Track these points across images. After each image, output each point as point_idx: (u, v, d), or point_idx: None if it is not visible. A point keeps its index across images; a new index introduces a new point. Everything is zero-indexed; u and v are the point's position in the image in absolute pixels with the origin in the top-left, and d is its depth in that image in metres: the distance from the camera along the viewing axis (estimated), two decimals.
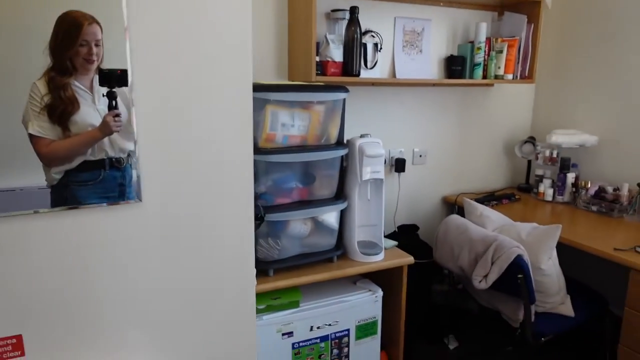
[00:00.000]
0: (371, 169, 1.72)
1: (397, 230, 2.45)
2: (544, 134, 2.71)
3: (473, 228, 1.97)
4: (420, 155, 2.61)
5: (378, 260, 1.77)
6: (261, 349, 1.60)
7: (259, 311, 1.59)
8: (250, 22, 1.09)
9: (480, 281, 1.85)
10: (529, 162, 2.81)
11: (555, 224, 1.88)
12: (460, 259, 1.95)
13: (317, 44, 1.98)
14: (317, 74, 1.98)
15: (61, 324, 1.04)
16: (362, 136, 1.75)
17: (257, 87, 1.48)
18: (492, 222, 2.11)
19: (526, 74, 2.47)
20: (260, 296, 1.60)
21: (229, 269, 1.19)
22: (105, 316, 1.08)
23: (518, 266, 1.79)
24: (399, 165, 2.52)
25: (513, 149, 2.85)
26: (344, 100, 1.66)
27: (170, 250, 1.11)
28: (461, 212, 2.49)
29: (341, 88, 1.63)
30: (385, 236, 2.47)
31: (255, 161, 1.53)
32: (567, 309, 1.96)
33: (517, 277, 1.80)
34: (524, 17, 2.41)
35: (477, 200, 2.53)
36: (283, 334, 1.63)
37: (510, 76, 2.43)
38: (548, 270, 1.88)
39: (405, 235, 2.39)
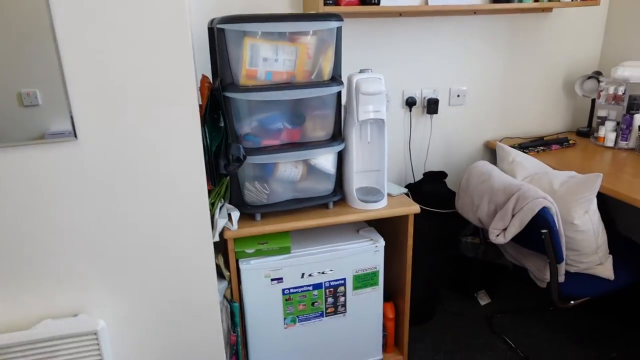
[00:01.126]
0: (372, 108, 1.55)
1: (423, 177, 2.26)
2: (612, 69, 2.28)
3: (497, 176, 1.74)
4: (458, 95, 2.34)
5: (378, 208, 1.63)
6: (249, 294, 1.58)
7: (246, 255, 1.55)
8: None
9: (497, 235, 1.65)
10: (593, 102, 2.41)
11: (605, 173, 1.60)
12: (479, 210, 1.75)
13: None
14: (328, 4, 1.79)
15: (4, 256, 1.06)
16: (361, 71, 1.57)
17: (232, 19, 1.35)
18: (524, 169, 1.85)
19: None
20: (247, 240, 1.56)
21: (180, 202, 1.14)
22: (52, 247, 1.09)
23: (543, 220, 1.56)
24: (431, 106, 2.29)
25: (573, 87, 2.46)
26: (338, 30, 1.48)
27: (114, 185, 1.08)
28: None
29: (332, 16, 1.45)
30: (408, 184, 2.30)
31: (236, 100, 1.44)
32: (606, 271, 1.70)
33: (541, 233, 1.58)
34: None
35: (521, 146, 2.24)
36: (272, 279, 1.59)
37: None
38: (583, 225, 1.62)
39: (431, 183, 2.20)
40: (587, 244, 1.66)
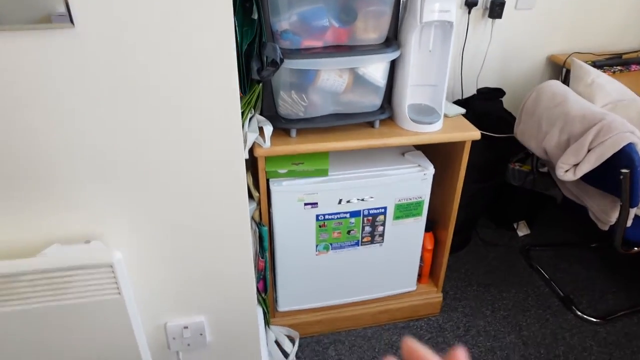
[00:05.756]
0: (439, 7, 1.25)
1: (476, 93, 1.98)
2: None
3: (574, 100, 1.47)
4: None
5: (432, 131, 1.40)
6: (280, 217, 1.42)
7: (278, 175, 1.36)
8: None
9: (566, 170, 1.42)
10: None
11: None
12: (547, 139, 1.50)
13: None
14: None
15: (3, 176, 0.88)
16: None
17: None
18: (606, 94, 1.57)
19: None
20: (280, 159, 1.36)
21: (206, 110, 0.91)
22: (53, 166, 0.90)
23: (626, 158, 1.33)
24: (495, 8, 1.93)
25: None
26: None
27: (120, 86, 0.86)
28: (569, 77, 1.94)
29: None
30: (457, 101, 2.02)
31: None
32: None
33: (619, 172, 1.35)
34: None
35: (594, 64, 1.92)
36: (305, 204, 1.42)
37: None
38: None
39: (484, 102, 1.93)
40: None
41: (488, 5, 1.94)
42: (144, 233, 1.02)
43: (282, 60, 1.17)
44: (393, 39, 1.32)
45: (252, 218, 1.45)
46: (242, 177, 1.01)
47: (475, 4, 1.92)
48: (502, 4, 1.92)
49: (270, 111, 1.34)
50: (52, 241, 0.96)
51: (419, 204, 1.51)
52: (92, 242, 0.97)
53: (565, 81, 2.09)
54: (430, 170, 1.46)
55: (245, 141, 1.26)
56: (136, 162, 0.93)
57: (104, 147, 0.90)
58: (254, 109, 1.34)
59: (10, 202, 0.91)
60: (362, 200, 1.45)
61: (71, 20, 0.77)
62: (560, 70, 2.13)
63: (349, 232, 1.50)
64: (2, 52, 0.78)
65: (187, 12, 0.81)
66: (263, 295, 1.53)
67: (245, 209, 1.05)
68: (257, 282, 1.50)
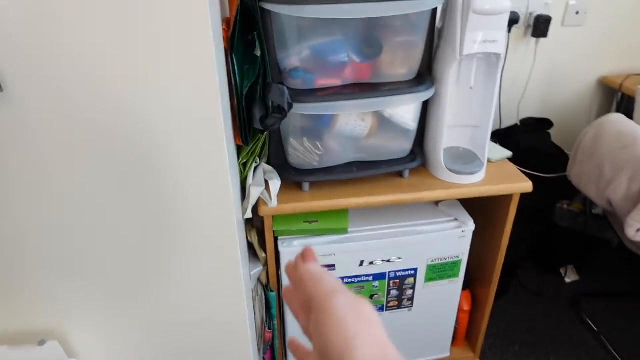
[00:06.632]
0: (483, 36, 1.02)
1: (519, 124, 1.73)
2: None
3: None
4: (577, 12, 1.71)
5: (473, 183, 1.16)
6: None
7: (288, 233, 1.15)
8: None
9: (638, 230, 1.17)
10: None
11: None
12: (612, 188, 1.25)
13: None
14: None
15: None
16: None
17: None
18: None
19: None
20: (290, 218, 1.15)
21: (187, 170, 0.71)
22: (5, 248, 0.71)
23: None
24: (539, 26, 1.68)
25: None
26: None
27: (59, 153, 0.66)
28: (630, 106, 1.67)
29: None
30: (496, 132, 1.77)
31: (280, 16, 0.94)
32: None
33: None
34: None
35: None
36: (322, 266, 1.19)
37: None
38: None
39: (529, 134, 1.68)
40: None
41: (531, 23, 1.70)
42: (114, 336, 0.81)
43: (290, 106, 0.96)
44: (426, 74, 1.09)
45: (259, 281, 1.24)
46: (236, 266, 0.80)
47: (517, 22, 1.67)
48: (548, 21, 1.67)
49: (278, 159, 1.13)
50: (2, 333, 0.77)
51: (456, 265, 1.27)
52: (47, 343, 0.77)
53: (621, 108, 1.83)
54: (470, 225, 1.22)
55: (248, 197, 1.05)
56: (102, 245, 0.73)
57: (64, 229, 0.71)
58: (259, 158, 1.14)
59: None
60: (388, 261, 1.22)
61: None
62: (613, 95, 1.86)
63: (371, 296, 1.27)
64: None
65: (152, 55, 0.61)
66: None
67: (242, 302, 0.84)
68: (264, 352, 1.29)
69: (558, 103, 1.86)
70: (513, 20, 1.67)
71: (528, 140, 1.64)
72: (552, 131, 1.72)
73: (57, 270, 0.74)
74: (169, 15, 0.58)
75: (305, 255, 0.44)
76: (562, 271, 1.95)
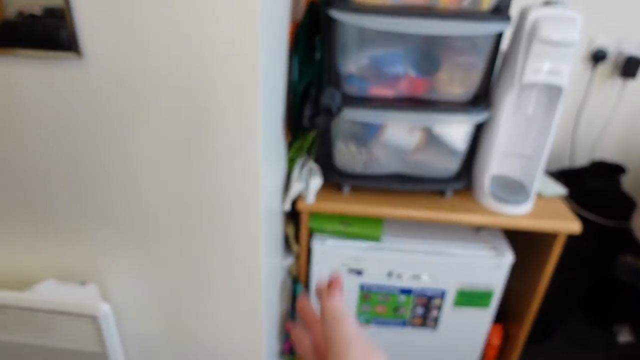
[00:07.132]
0: (548, 67, 1.00)
1: (589, 166, 1.64)
2: None
3: None
4: None
5: (516, 214, 1.13)
6: (320, 276, 1.24)
7: (323, 231, 1.20)
8: None
9: None
10: None
11: None
12: None
13: None
14: None
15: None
16: (547, 3, 0.99)
17: None
18: None
19: None
20: (327, 217, 1.19)
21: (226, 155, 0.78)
22: (55, 198, 0.82)
23: None
24: (630, 65, 1.59)
25: None
26: None
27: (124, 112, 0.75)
28: None
29: None
30: (563, 171, 1.69)
31: (343, 24, 0.99)
32: None
33: None
34: None
35: None
36: (350, 270, 1.23)
37: None
38: None
39: (599, 178, 1.58)
40: None
41: (620, 62, 1.60)
42: (148, 282, 0.91)
43: (339, 110, 1.01)
44: (483, 97, 1.09)
45: (289, 272, 1.30)
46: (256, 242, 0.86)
47: (604, 58, 1.59)
48: (638, 62, 1.57)
49: (325, 159, 1.18)
50: (50, 275, 0.89)
51: (487, 295, 1.24)
52: (87, 286, 0.88)
53: None
54: (508, 257, 1.19)
55: (289, 191, 1.11)
56: (145, 204, 0.82)
57: (112, 186, 0.81)
58: (308, 153, 1.19)
59: (7, 231, 0.85)
60: (417, 277, 1.22)
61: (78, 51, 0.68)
62: None
63: (395, 309, 1.28)
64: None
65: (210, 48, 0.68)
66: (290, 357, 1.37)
67: (259, 269, 0.89)
68: (284, 341, 1.34)
69: (637, 149, 1.73)
70: (601, 56, 1.60)
71: (596, 183, 1.54)
72: (624, 178, 1.60)
73: (104, 222, 0.84)
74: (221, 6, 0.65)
75: (331, 284, 0.43)
76: (616, 329, 1.80)
